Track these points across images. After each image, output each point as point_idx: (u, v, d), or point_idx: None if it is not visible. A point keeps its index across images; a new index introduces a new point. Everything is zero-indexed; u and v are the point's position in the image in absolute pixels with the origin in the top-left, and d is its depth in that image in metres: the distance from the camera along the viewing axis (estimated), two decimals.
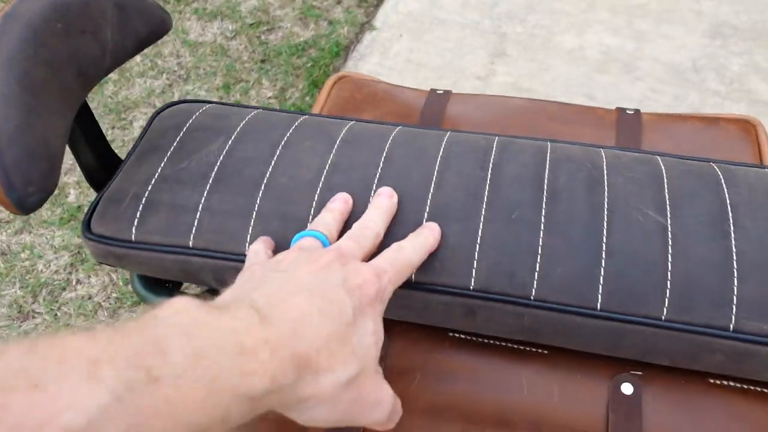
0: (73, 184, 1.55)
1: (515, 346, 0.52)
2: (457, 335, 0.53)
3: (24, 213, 0.46)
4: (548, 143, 0.54)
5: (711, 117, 0.67)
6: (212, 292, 0.61)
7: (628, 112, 0.67)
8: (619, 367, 0.50)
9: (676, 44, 1.71)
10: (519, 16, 1.81)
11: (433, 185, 0.50)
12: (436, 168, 0.51)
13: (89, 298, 1.41)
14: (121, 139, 1.64)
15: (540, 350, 0.52)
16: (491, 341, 0.52)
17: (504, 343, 0.52)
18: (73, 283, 1.41)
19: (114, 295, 1.42)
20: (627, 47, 1.71)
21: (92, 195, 1.53)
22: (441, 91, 0.72)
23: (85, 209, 1.17)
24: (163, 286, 0.62)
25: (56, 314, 1.36)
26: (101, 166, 0.60)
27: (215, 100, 1.63)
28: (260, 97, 1.69)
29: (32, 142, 0.46)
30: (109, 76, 1.67)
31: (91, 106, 0.70)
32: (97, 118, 0.60)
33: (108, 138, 1.46)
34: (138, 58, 1.81)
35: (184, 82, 1.75)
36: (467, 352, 0.52)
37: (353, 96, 0.72)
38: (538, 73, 1.67)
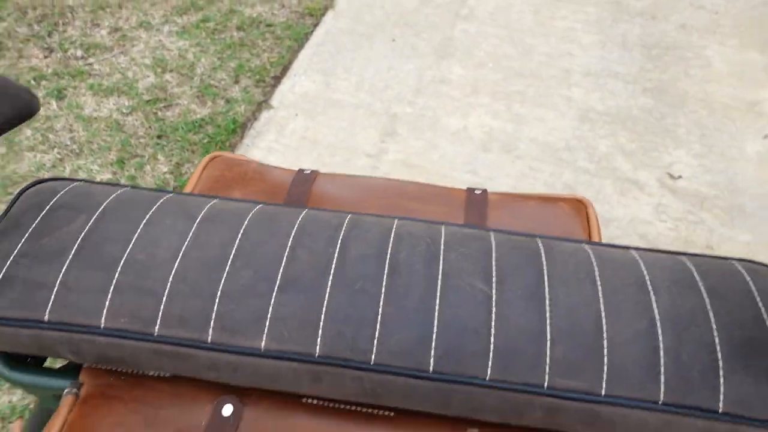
0: None
1: (364, 410, 0.55)
2: (309, 401, 0.55)
3: None
4: (395, 220, 0.60)
5: (549, 197, 0.75)
6: (75, 366, 0.61)
7: (476, 192, 0.74)
8: (461, 427, 0.55)
9: (550, 126, 1.86)
10: (408, 98, 1.93)
11: (284, 260, 0.54)
12: (289, 244, 0.55)
13: None
14: None
15: (387, 413, 0.55)
16: (342, 405, 0.55)
17: (353, 407, 0.55)
18: None
19: None
20: (507, 129, 1.85)
21: None
22: (308, 171, 0.77)
23: None
24: (25, 363, 0.61)
25: None
26: None
27: (85, 178, 1.63)
28: (156, 172, 1.70)
29: None
30: None
31: None
32: None
33: None
34: (28, 131, 1.79)
35: (77, 156, 1.73)
36: (319, 417, 0.55)
37: (224, 175, 0.76)
38: (426, 151, 1.77)
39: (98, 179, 1.69)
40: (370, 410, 0.55)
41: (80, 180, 0.66)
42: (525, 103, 1.93)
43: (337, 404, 0.55)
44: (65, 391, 0.55)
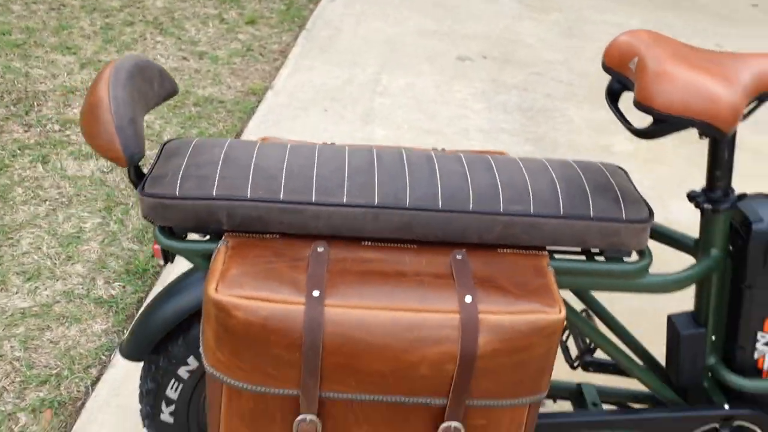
0: None
1: (398, 245, 0.93)
2: (366, 243, 0.93)
3: (130, 165, 0.81)
4: (402, 148, 1.01)
5: None
6: (217, 235, 0.92)
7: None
8: (450, 249, 0.93)
9: None
10: None
11: (347, 160, 0.94)
12: (346, 154, 0.95)
13: None
14: (10, 255, 1.84)
15: (412, 246, 0.93)
16: (385, 244, 0.93)
17: (393, 244, 0.93)
18: None
19: (18, 379, 1.58)
20: None
21: None
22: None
23: None
24: (177, 236, 0.94)
25: None
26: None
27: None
28: (139, 217, 2.01)
29: (136, 129, 0.83)
30: None
31: None
32: None
33: None
34: (19, 189, 2.05)
35: (67, 207, 2.01)
36: (375, 250, 0.91)
37: None
38: None
39: (88, 225, 1.97)
40: (402, 245, 0.93)
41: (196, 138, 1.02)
42: None
43: (382, 243, 0.93)
44: (220, 243, 0.89)
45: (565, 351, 1.38)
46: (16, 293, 1.75)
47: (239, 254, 0.87)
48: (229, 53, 2.85)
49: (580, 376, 1.61)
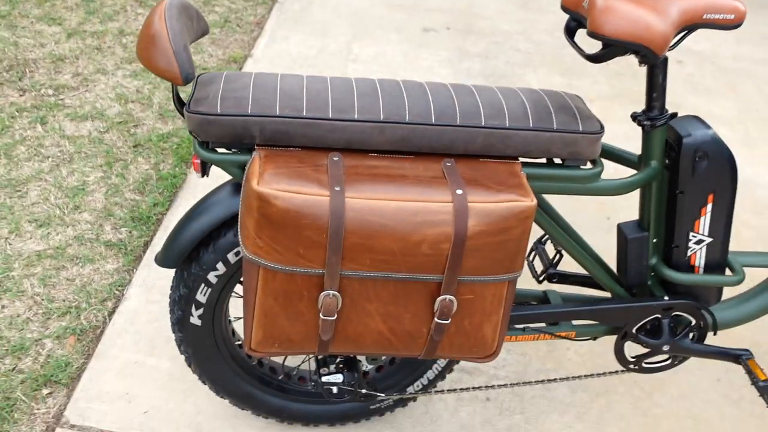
0: None
1: (398, 156, 1.14)
2: (373, 154, 1.13)
3: (185, 84, 1.00)
4: (400, 81, 1.21)
5: None
6: (248, 150, 1.12)
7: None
8: (441, 158, 1.14)
9: None
10: None
11: (355, 87, 1.13)
12: (354, 83, 1.15)
13: (18, 316, 1.70)
14: (20, 205, 1.98)
15: (409, 156, 1.14)
16: (388, 154, 1.13)
17: (394, 155, 1.13)
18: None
19: (40, 311, 1.73)
20: None
21: None
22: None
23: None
24: (212, 150, 1.12)
25: None
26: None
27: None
28: (139, 170, 2.16)
29: (188, 54, 1.01)
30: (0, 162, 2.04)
31: None
32: None
33: (7, 205, 1.86)
34: (22, 147, 2.18)
35: (69, 163, 2.16)
36: (380, 159, 1.11)
37: None
38: None
39: (91, 178, 2.12)
40: (401, 156, 1.14)
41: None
42: None
43: (386, 154, 1.13)
44: (254, 154, 1.08)
45: (531, 268, 1.61)
46: (30, 238, 1.90)
47: (271, 161, 1.06)
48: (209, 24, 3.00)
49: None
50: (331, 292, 1.06)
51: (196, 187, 2.11)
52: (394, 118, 1.10)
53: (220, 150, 1.13)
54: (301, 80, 1.15)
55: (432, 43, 3.11)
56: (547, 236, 1.59)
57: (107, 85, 2.50)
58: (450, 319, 1.11)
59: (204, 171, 1.16)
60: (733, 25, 1.12)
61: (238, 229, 1.11)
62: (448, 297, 1.09)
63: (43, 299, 1.75)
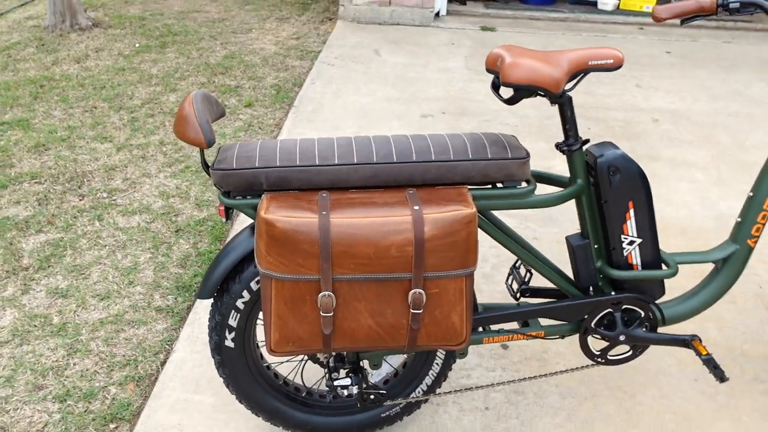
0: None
1: (370, 190, 1.48)
2: (351, 191, 1.48)
3: (208, 147, 1.39)
4: (371, 136, 1.58)
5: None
6: (257, 196, 1.49)
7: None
8: (404, 189, 1.49)
9: None
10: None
11: (336, 147, 1.51)
12: (335, 142, 1.53)
13: (87, 370, 2.04)
14: (85, 285, 2.37)
15: (380, 190, 1.49)
16: (364, 190, 1.48)
17: (368, 190, 1.49)
18: None
19: (105, 365, 2.07)
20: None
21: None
22: None
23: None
24: (232, 197, 1.49)
25: None
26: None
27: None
28: (181, 250, 2.55)
29: (210, 127, 1.41)
30: (66, 253, 2.45)
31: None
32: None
33: (74, 286, 2.25)
34: (84, 240, 2.60)
35: (123, 249, 2.56)
36: (358, 192, 1.47)
37: None
38: None
39: (141, 259, 2.51)
40: (373, 190, 1.49)
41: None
42: None
43: (361, 191, 1.49)
44: (262, 197, 1.44)
45: (510, 289, 1.91)
46: (94, 310, 2.27)
47: (275, 199, 1.43)
48: (234, 129, 3.48)
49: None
50: (326, 292, 1.39)
51: None
52: (365, 160, 1.47)
53: (237, 197, 1.50)
54: (295, 142, 1.53)
55: (429, 126, 3.53)
56: (519, 261, 1.90)
57: (152, 185, 2.95)
58: (423, 310, 1.42)
59: (227, 216, 1.53)
60: (615, 67, 1.48)
61: (254, 254, 1.46)
62: (418, 290, 1.40)
63: (106, 356, 2.09)
